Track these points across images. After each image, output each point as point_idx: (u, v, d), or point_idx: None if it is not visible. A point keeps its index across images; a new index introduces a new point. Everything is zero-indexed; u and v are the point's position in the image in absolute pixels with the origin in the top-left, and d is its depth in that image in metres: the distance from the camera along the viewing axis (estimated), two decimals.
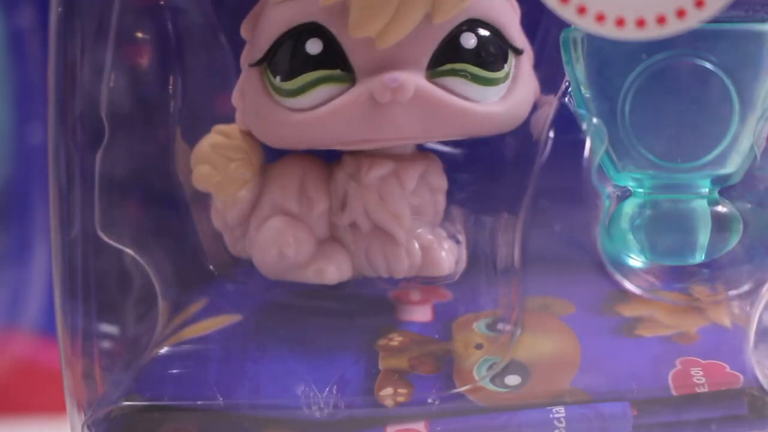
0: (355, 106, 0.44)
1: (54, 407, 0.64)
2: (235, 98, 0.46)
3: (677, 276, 0.46)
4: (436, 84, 0.45)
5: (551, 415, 0.44)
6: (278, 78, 0.45)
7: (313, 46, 0.44)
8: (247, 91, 0.46)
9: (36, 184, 0.66)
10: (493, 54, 0.45)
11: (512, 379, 0.45)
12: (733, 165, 0.44)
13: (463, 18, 0.45)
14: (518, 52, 0.46)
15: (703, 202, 0.44)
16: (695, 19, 0.41)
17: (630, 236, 0.45)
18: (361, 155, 0.46)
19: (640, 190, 0.45)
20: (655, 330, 0.46)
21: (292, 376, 0.45)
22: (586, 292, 0.47)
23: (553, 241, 0.46)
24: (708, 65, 0.43)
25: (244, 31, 0.46)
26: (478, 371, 0.45)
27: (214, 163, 0.46)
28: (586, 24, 0.41)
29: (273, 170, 0.47)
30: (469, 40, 0.45)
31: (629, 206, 0.45)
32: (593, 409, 0.44)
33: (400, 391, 0.44)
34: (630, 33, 0.41)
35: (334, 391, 0.44)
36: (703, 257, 0.44)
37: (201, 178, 0.46)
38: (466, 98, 0.45)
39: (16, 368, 0.66)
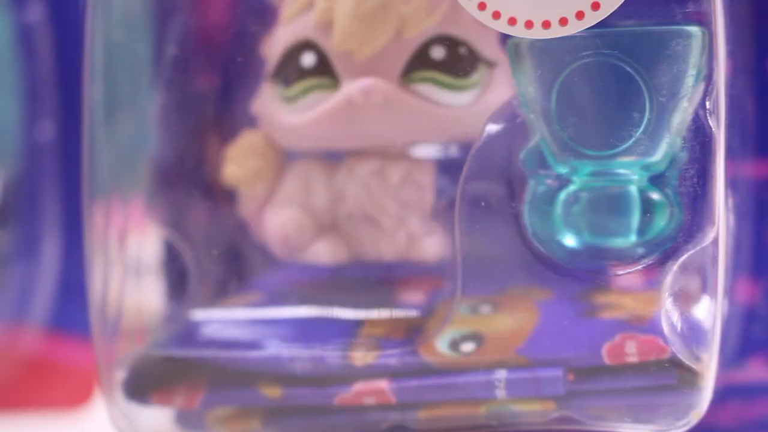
0: (337, 109, 0.50)
1: (63, 403, 0.66)
2: (255, 107, 0.53)
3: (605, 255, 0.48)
4: (409, 90, 0.50)
5: (492, 377, 0.48)
6: (282, 87, 0.52)
7: (307, 59, 0.51)
8: (264, 100, 0.53)
9: (45, 181, 0.66)
10: (460, 64, 0.50)
11: (467, 346, 0.49)
12: (657, 154, 0.47)
13: (432, 33, 0.50)
14: (489, 64, 0.50)
15: (634, 188, 0.47)
16: (592, 21, 0.45)
17: (568, 219, 0.48)
18: (357, 155, 0.52)
19: (576, 178, 0.48)
20: (614, 314, 0.49)
21: (284, 338, 0.51)
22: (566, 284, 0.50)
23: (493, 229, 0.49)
24: (620, 64, 0.46)
25: (263, 51, 0.53)
26: (441, 340, 0.49)
27: (239, 162, 0.53)
28: (500, 27, 0.46)
29: (288, 169, 0.53)
30: (437, 52, 0.50)
31: (566, 192, 0.48)
32: (530, 372, 0.48)
33: (370, 353, 0.50)
34: (537, 33, 0.46)
35: (316, 352, 0.50)
36: (634, 238, 0.47)
37: (228, 174, 0.53)
38: (435, 103, 0.50)
39: (24, 365, 0.66)
